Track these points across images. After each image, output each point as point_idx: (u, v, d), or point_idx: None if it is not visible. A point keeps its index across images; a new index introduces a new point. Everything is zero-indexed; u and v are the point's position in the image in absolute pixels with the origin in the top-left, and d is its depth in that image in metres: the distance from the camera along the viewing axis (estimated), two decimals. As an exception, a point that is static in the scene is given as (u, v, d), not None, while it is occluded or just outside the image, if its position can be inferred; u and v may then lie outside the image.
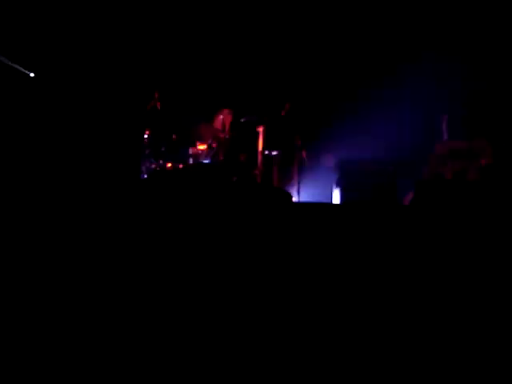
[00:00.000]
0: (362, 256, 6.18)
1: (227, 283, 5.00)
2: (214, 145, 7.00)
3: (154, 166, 6.71)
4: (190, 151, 7.00)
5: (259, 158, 7.14)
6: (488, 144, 6.10)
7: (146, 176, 6.67)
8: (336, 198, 6.91)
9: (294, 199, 6.73)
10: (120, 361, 2.90)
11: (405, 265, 5.62)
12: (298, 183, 7.12)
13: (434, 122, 6.94)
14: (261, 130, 7.21)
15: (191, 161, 6.87)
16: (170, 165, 6.67)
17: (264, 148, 7.16)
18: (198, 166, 6.57)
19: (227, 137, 7.00)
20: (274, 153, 7.17)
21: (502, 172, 6.20)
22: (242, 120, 7.16)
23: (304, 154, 7.21)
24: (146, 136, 6.76)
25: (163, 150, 6.81)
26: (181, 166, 6.69)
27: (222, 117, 7.16)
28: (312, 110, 7.73)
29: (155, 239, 6.12)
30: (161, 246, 6.04)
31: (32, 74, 7.08)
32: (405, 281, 5.29)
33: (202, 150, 6.99)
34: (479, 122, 6.22)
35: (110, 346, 3.14)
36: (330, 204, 6.93)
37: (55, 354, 2.93)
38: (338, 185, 6.95)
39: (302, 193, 7.12)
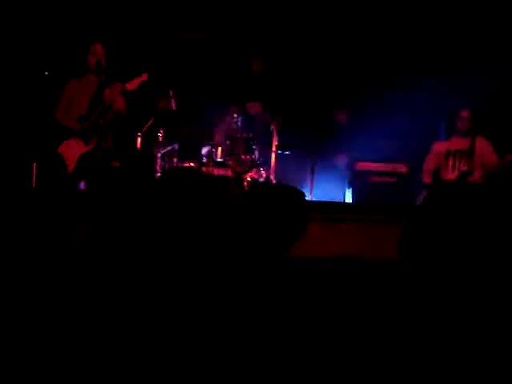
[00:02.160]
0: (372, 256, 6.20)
1: (236, 284, 5.05)
2: (227, 143, 7.00)
3: (167, 165, 6.74)
4: (204, 151, 7.02)
5: (273, 156, 7.12)
6: (489, 144, 6.11)
7: (160, 175, 6.72)
8: (348, 197, 6.94)
9: (308, 198, 6.76)
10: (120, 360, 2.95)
11: (414, 271, 5.64)
12: (312, 182, 7.13)
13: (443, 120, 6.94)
14: (274, 127, 7.18)
15: (205, 160, 6.90)
16: (189, 164, 6.72)
17: (278, 146, 7.12)
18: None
19: (239, 136, 6.99)
20: (287, 152, 7.17)
21: (506, 173, 6.20)
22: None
23: None
24: (160, 135, 6.78)
25: (177, 149, 6.84)
26: (196, 165, 6.73)
27: (235, 115, 7.16)
28: (324, 109, 7.76)
29: (168, 237, 6.19)
30: (174, 245, 6.11)
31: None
32: (414, 284, 5.31)
33: (215, 149, 7.01)
34: (482, 121, 6.21)
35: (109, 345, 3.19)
36: (343, 203, 6.98)
37: (55, 353, 2.98)
38: (350, 185, 6.99)
39: (314, 192, 7.14)
